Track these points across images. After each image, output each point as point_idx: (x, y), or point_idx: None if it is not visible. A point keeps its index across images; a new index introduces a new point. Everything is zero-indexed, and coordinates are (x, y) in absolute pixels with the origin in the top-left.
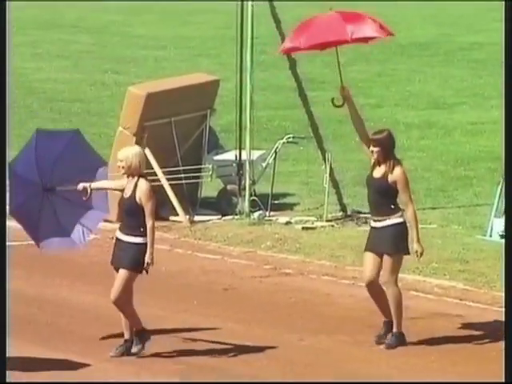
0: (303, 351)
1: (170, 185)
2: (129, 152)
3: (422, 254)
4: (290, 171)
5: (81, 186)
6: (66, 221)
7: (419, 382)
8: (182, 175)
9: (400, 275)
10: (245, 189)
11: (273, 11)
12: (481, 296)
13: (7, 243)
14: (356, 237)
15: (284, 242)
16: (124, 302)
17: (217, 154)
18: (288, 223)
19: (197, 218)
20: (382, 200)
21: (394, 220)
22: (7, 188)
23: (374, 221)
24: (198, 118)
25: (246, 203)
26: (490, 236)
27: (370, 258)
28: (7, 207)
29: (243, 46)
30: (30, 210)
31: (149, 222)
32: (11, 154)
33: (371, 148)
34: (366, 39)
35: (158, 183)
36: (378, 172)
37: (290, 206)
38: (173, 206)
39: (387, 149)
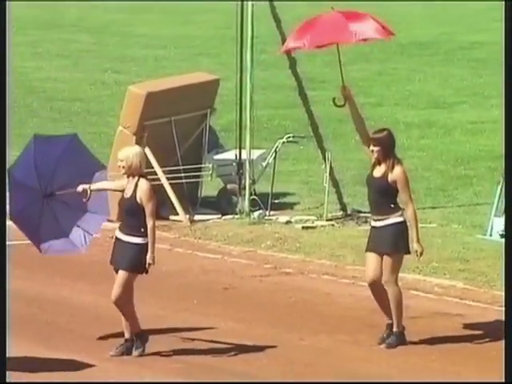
0: (303, 351)
1: (170, 184)
2: (129, 152)
3: (421, 253)
4: (290, 170)
5: (80, 187)
6: (66, 225)
7: (420, 382)
8: (182, 174)
9: (400, 274)
10: (245, 188)
11: (273, 11)
12: (481, 295)
13: (8, 242)
14: (356, 236)
15: (284, 242)
16: (124, 302)
17: (217, 153)
18: (288, 222)
19: (197, 217)
20: (382, 199)
21: (394, 219)
22: (7, 193)
23: (375, 220)
24: (198, 117)
25: (246, 202)
26: (490, 235)
27: (372, 259)
28: (7, 212)
29: (243, 45)
30: (31, 215)
31: (149, 223)
32: (11, 153)
33: (371, 147)
34: (368, 40)
35: (158, 182)
36: (378, 171)
37: (290, 206)
38: (173, 205)
39: (387, 148)
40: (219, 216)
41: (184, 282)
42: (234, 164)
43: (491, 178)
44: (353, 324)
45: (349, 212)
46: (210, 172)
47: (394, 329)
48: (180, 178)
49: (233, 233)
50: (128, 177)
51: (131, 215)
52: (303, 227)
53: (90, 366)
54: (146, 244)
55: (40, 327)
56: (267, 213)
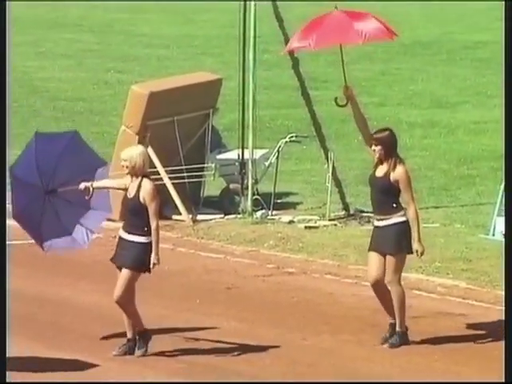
0: (306, 350)
1: (173, 184)
2: (133, 152)
3: (422, 253)
4: (293, 170)
5: (82, 185)
6: (68, 222)
7: (422, 382)
8: (185, 174)
9: (403, 274)
10: (247, 188)
11: (276, 10)
12: (484, 295)
13: (10, 242)
14: (359, 236)
15: (287, 241)
16: (126, 301)
17: (219, 153)
18: (291, 222)
19: (199, 217)
20: (384, 199)
21: (397, 219)
22: (9, 192)
23: (377, 220)
24: (201, 116)
25: (249, 202)
26: (493, 235)
27: (374, 258)
28: (9, 211)
29: (246, 44)
30: (32, 213)
31: (153, 223)
32: (13, 153)
33: (373, 147)
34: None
35: (160, 182)
36: (381, 171)
37: (292, 205)
38: (175, 205)
39: (388, 147)
40: (222, 216)
41: (186, 282)
42: (237, 164)
43: (494, 177)
44: (356, 324)
45: (351, 212)
46: (213, 172)
47: (397, 329)
48: (183, 177)
49: (235, 232)
50: (131, 177)
51: (135, 215)
52: (306, 227)
53: (93, 365)
54: (150, 243)
55: (42, 327)
56: (270, 212)
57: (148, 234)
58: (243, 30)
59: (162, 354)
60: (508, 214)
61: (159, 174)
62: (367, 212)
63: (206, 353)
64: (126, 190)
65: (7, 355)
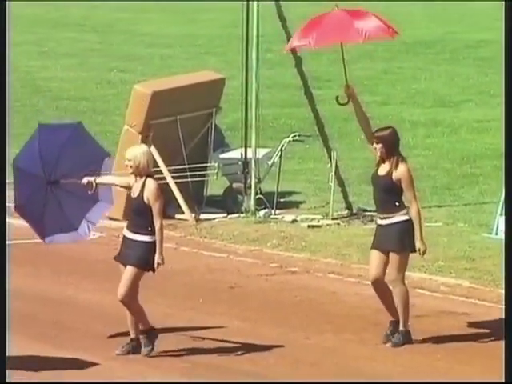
0: (309, 350)
1: (176, 183)
2: (137, 151)
3: (424, 252)
4: (296, 169)
5: (85, 180)
6: (70, 213)
7: (425, 382)
8: (188, 173)
9: (406, 273)
10: (250, 187)
11: (278, 10)
12: (487, 294)
13: (12, 241)
14: (362, 235)
15: (290, 240)
16: (130, 299)
17: (222, 152)
18: (294, 221)
19: (202, 216)
20: (387, 198)
21: (400, 217)
22: (12, 185)
23: (380, 218)
24: (204, 116)
25: (252, 201)
26: (496, 234)
27: (375, 256)
28: (12, 203)
29: (249, 44)
30: (35, 203)
31: (157, 222)
32: (13, 152)
33: (374, 145)
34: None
35: (163, 181)
36: (383, 170)
37: (295, 204)
38: (179, 204)
39: (390, 146)
40: (225, 215)
41: (190, 281)
42: (240, 163)
43: (497, 176)
44: (358, 323)
45: (354, 211)
46: (216, 171)
47: (401, 327)
48: (186, 176)
49: (238, 232)
50: (135, 176)
51: (139, 215)
52: (309, 226)
53: (95, 364)
54: (154, 242)
55: (44, 326)
56: (273, 212)
57: (152, 233)
58: (246, 29)
59: (165, 353)
60: (508, 214)
61: (162, 174)
62: (370, 211)
63: (210, 352)
64: (128, 188)
65: (8, 354)
